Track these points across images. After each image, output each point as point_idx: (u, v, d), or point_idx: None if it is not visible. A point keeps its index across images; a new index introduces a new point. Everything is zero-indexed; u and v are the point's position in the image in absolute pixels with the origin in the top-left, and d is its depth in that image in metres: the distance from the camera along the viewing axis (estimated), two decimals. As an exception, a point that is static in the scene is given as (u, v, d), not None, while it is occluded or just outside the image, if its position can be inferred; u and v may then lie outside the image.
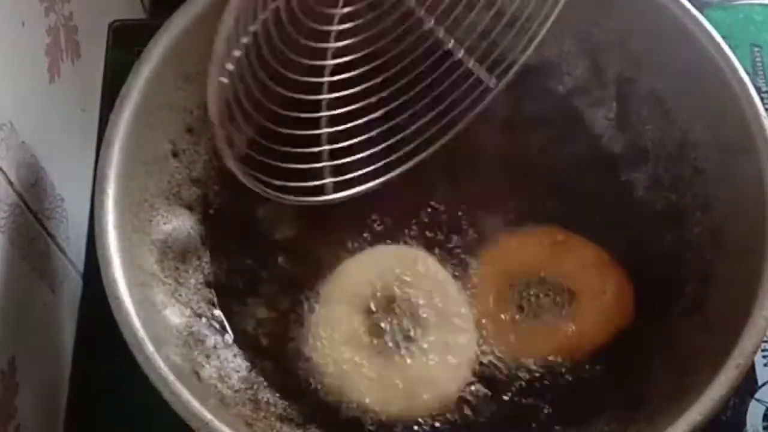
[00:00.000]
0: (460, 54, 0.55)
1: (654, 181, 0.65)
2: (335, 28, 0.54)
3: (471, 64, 0.55)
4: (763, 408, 0.61)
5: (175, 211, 0.61)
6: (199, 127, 0.62)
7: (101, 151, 0.56)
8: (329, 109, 0.53)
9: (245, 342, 0.61)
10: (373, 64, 0.55)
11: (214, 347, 0.59)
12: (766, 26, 0.75)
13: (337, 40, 0.54)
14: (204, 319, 0.60)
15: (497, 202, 0.64)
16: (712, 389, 0.50)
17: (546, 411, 0.58)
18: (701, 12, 0.60)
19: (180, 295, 0.59)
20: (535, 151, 0.67)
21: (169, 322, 0.57)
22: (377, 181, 0.53)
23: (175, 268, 0.60)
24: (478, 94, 0.55)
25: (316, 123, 0.53)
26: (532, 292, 0.61)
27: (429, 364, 0.58)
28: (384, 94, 0.54)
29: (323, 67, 0.54)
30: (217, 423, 0.49)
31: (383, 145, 0.53)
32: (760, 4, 0.76)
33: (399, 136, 0.54)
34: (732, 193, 0.58)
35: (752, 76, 0.72)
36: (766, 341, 0.62)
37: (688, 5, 0.60)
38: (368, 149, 0.53)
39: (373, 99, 0.54)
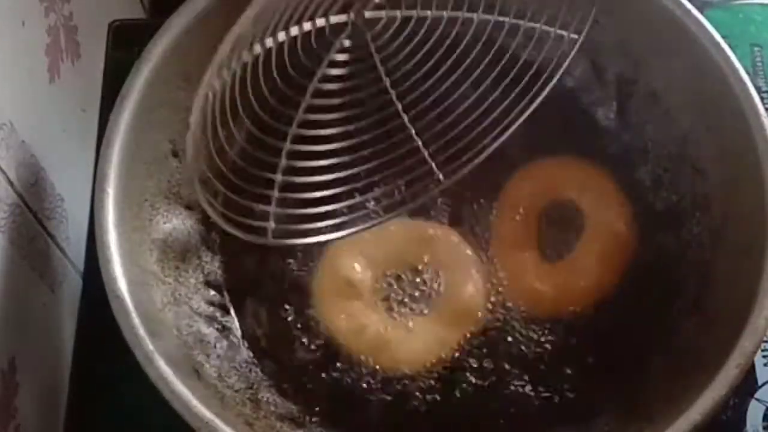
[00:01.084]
0: (419, 143, 0.57)
1: (654, 181, 0.65)
2: (314, 85, 0.56)
3: (426, 155, 0.57)
4: (763, 408, 0.61)
5: (175, 210, 0.61)
6: (199, 127, 0.62)
7: (101, 151, 0.56)
8: (288, 159, 0.55)
9: (245, 341, 0.61)
10: (340, 129, 0.57)
11: (214, 347, 0.59)
12: (766, 26, 0.75)
13: (313, 96, 0.56)
14: (204, 319, 0.60)
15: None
16: (712, 389, 0.50)
17: (546, 409, 0.59)
18: (701, 12, 0.60)
19: (180, 295, 0.59)
20: (534, 152, 0.67)
21: (169, 321, 0.57)
22: (316, 239, 0.55)
23: (175, 268, 0.60)
24: (428, 182, 0.57)
25: (273, 168, 0.55)
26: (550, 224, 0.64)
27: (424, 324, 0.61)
28: (342, 159, 0.56)
29: (292, 117, 0.56)
30: (217, 423, 0.49)
31: (328, 207, 0.55)
32: (760, 4, 0.76)
33: (345, 203, 0.56)
34: (732, 193, 0.58)
35: (752, 76, 0.72)
36: (766, 341, 0.62)
37: (688, 5, 0.60)
38: (315, 206, 0.55)
39: (331, 161, 0.56)
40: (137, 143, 0.57)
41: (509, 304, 0.62)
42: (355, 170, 0.56)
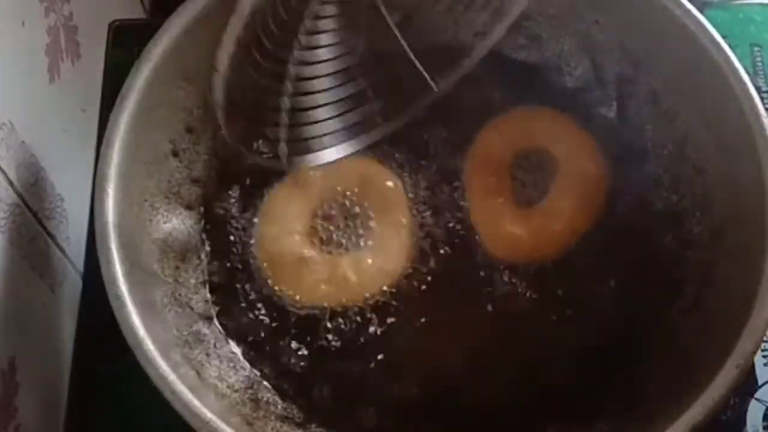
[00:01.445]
0: (412, 55, 0.61)
1: (654, 181, 0.65)
2: (312, 8, 0.58)
3: (419, 65, 0.61)
4: (763, 408, 0.61)
5: (175, 210, 0.61)
6: (199, 127, 0.62)
7: (101, 151, 0.56)
8: (294, 85, 0.58)
9: (245, 341, 0.61)
10: (338, 53, 0.60)
11: (214, 347, 0.59)
12: (766, 26, 0.75)
13: (313, 18, 0.58)
14: (204, 319, 0.60)
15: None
16: (712, 389, 0.50)
17: (546, 408, 0.59)
18: (701, 12, 0.60)
19: (180, 295, 0.59)
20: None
21: (169, 321, 0.57)
22: (327, 159, 0.59)
23: (175, 268, 0.60)
24: (424, 93, 0.62)
25: (280, 94, 0.58)
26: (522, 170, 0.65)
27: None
28: (342, 78, 0.60)
29: (293, 43, 0.58)
30: (217, 423, 0.49)
31: (338, 126, 0.60)
32: (760, 4, 0.76)
33: (349, 121, 0.60)
34: (732, 193, 0.58)
35: (752, 76, 0.72)
36: (766, 341, 0.62)
37: (688, 5, 0.60)
38: (323, 129, 0.59)
39: (332, 81, 0.59)
40: (137, 143, 0.57)
41: (488, 252, 0.63)
42: (356, 88, 0.60)
